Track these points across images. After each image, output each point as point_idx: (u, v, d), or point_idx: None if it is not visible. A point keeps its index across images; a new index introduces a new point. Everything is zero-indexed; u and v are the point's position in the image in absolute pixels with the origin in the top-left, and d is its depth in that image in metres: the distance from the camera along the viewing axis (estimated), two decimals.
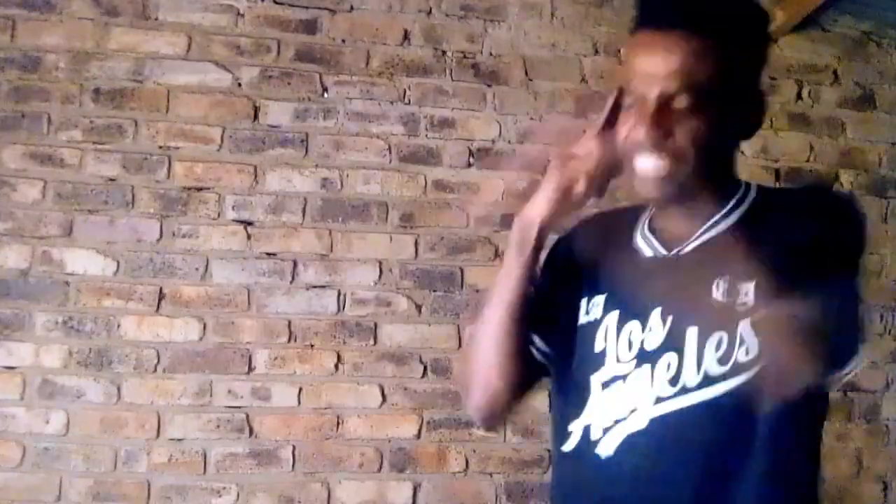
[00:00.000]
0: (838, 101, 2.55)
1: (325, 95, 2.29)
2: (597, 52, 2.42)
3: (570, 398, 0.95)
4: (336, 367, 2.19)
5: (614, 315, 0.92)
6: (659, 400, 0.87)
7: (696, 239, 0.92)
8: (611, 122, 0.92)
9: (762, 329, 0.84)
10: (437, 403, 2.22)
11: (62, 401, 2.08)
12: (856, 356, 0.92)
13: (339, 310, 2.21)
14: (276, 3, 2.30)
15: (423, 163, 2.30)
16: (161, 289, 2.15)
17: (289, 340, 2.18)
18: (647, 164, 0.86)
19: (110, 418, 2.09)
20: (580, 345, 0.96)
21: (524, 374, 0.99)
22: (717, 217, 0.93)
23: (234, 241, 2.20)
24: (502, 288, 0.96)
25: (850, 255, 0.90)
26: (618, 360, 0.91)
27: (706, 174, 0.88)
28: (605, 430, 0.90)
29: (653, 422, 0.87)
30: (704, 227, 0.92)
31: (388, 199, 2.26)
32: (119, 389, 2.10)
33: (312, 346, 2.18)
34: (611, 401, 0.90)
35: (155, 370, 2.12)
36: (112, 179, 2.18)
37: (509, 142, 2.35)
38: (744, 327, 0.84)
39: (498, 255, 2.30)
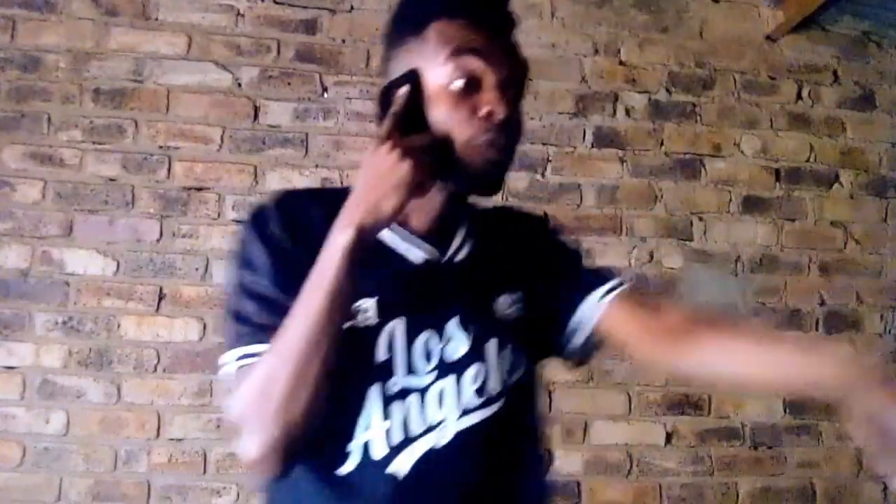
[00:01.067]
0: (838, 101, 2.55)
1: (325, 95, 2.29)
2: (597, 52, 2.43)
3: (342, 414, 0.84)
4: None
5: (400, 323, 0.85)
6: (465, 412, 0.85)
7: (460, 248, 0.94)
8: (415, 106, 0.85)
9: (526, 337, 0.93)
10: None
11: (62, 401, 2.08)
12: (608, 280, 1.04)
13: None
14: (276, 3, 2.30)
15: None
16: (161, 289, 2.15)
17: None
18: (500, 143, 0.86)
19: (110, 418, 2.09)
20: (349, 353, 0.82)
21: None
22: (465, 226, 0.96)
23: (234, 242, 2.19)
24: (327, 303, 0.78)
25: (567, 249, 1.07)
26: (410, 372, 0.85)
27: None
28: (397, 448, 0.83)
29: (459, 435, 0.84)
30: (460, 236, 0.94)
31: None
32: (119, 389, 2.10)
33: None
34: (402, 415, 0.84)
35: (155, 370, 2.12)
36: (112, 179, 2.18)
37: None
38: (516, 338, 0.92)
39: None
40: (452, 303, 0.89)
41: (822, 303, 2.45)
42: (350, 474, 0.83)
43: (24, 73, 2.17)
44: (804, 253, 2.46)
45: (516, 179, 2.33)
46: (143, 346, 2.13)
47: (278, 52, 2.28)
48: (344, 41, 2.32)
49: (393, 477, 0.82)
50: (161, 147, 2.20)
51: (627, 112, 2.42)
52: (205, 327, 2.16)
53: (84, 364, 2.10)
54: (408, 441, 0.84)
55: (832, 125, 2.54)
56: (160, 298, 2.15)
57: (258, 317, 0.83)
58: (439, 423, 0.84)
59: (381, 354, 0.85)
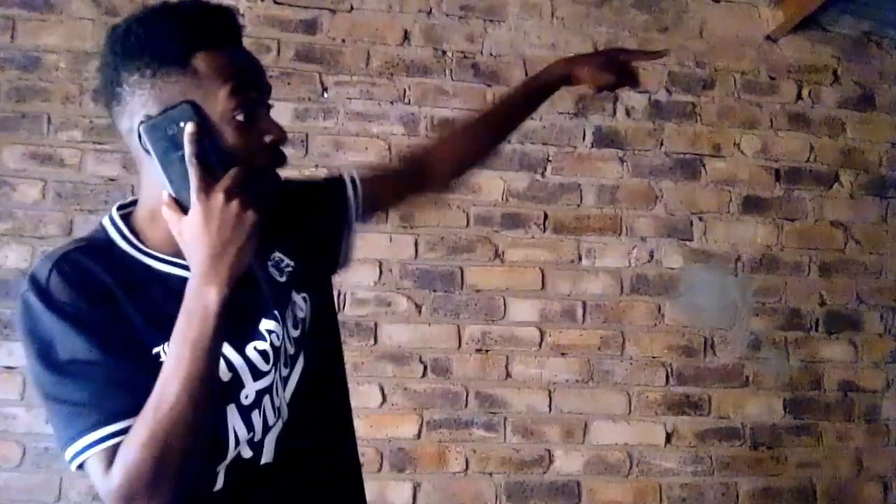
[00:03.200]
0: (838, 101, 2.55)
1: (325, 95, 2.29)
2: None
3: (212, 442, 0.85)
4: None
5: (225, 347, 0.84)
6: (284, 381, 0.92)
7: None
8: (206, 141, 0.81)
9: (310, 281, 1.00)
10: (436, 403, 2.22)
11: None
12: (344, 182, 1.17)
13: (339, 310, 2.21)
14: (276, 3, 2.30)
15: None
16: None
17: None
18: (285, 165, 0.92)
19: None
20: None
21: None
22: None
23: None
24: (210, 359, 0.78)
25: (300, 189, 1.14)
26: (256, 378, 0.88)
27: None
28: (259, 443, 0.88)
29: (289, 404, 0.91)
30: None
31: None
32: None
33: None
34: (261, 415, 0.88)
35: None
36: (112, 179, 2.18)
37: (509, 141, 2.35)
38: (297, 296, 0.97)
39: (498, 255, 2.31)
40: (253, 305, 0.90)
41: (822, 303, 2.45)
42: (223, 487, 0.86)
43: (24, 73, 2.17)
44: (804, 253, 2.46)
45: (516, 179, 2.34)
46: None
47: (278, 52, 2.28)
48: (344, 41, 2.32)
49: (266, 466, 0.89)
50: None
51: (627, 112, 2.42)
52: None
53: None
54: (266, 432, 0.89)
55: (832, 125, 2.54)
56: None
57: (96, 396, 0.78)
58: (280, 405, 0.91)
59: (223, 377, 0.85)
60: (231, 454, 0.86)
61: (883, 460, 2.41)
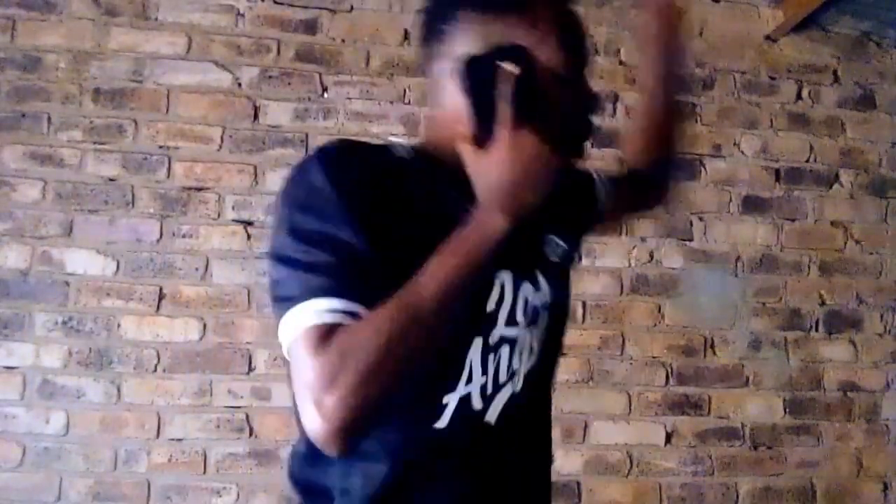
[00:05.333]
0: (838, 101, 2.55)
1: (325, 95, 2.29)
2: (597, 52, 2.42)
3: (442, 367, 0.82)
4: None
5: (507, 274, 0.85)
6: (530, 352, 0.89)
7: None
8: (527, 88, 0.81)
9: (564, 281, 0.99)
10: None
11: (62, 401, 2.08)
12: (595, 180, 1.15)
13: None
14: (276, 3, 2.30)
15: None
16: (161, 289, 2.15)
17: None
18: (593, 125, 0.90)
19: (110, 418, 2.09)
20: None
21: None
22: None
23: (234, 241, 2.20)
24: (470, 283, 0.76)
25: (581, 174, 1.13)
26: (508, 323, 0.85)
27: None
28: (489, 397, 0.84)
29: (525, 382, 0.88)
30: None
31: None
32: (119, 389, 2.10)
33: None
34: (495, 366, 0.85)
35: (155, 370, 2.12)
36: (112, 179, 2.18)
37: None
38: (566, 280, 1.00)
39: None
40: (535, 253, 0.91)
41: (822, 303, 2.45)
42: (447, 427, 0.81)
43: (24, 73, 2.17)
44: (804, 253, 2.46)
45: None
46: (143, 346, 2.13)
47: (278, 52, 2.28)
48: (344, 41, 2.32)
49: (488, 426, 0.84)
50: (161, 147, 2.20)
51: (627, 112, 2.42)
52: (205, 327, 2.16)
53: (84, 364, 2.10)
54: (496, 390, 0.85)
55: (832, 125, 2.54)
56: (160, 298, 2.15)
57: (339, 268, 0.74)
58: (517, 370, 0.87)
59: (489, 306, 0.84)
60: (461, 389, 0.82)
61: (883, 460, 2.41)
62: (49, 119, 2.17)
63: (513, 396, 0.86)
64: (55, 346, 2.10)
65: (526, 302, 0.87)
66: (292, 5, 2.30)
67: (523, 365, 0.88)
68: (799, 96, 2.53)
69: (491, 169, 0.77)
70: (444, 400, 0.82)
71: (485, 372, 0.83)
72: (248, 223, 2.21)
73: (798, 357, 2.41)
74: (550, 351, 0.94)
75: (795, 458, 2.37)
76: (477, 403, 0.83)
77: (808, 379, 2.41)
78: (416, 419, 0.81)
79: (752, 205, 2.45)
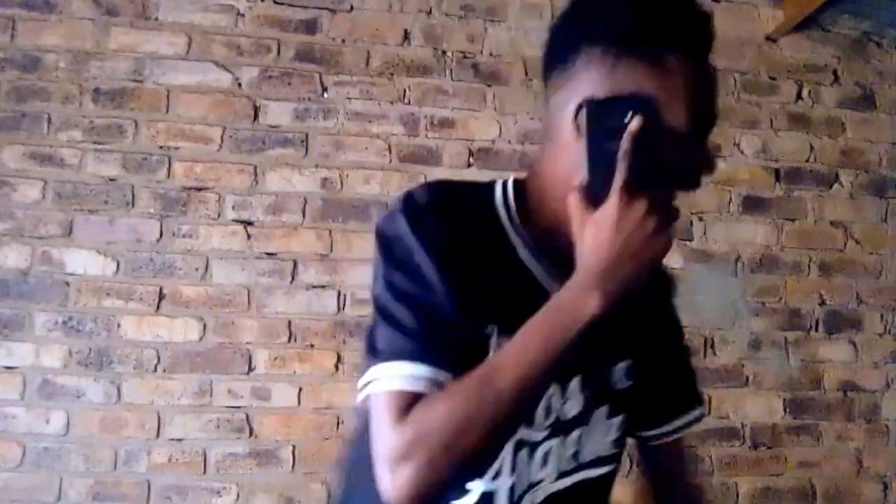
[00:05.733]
0: (838, 101, 2.55)
1: (325, 95, 2.29)
2: None
3: None
4: (336, 367, 2.19)
5: None
6: (560, 475, 0.84)
7: None
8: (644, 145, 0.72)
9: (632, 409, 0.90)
10: None
11: (62, 401, 2.08)
12: (693, 411, 1.04)
13: (339, 310, 2.21)
14: (276, 3, 2.30)
15: (423, 163, 2.30)
16: (161, 289, 2.15)
17: (289, 340, 2.18)
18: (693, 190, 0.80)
19: (110, 418, 2.09)
20: None
21: None
22: None
23: (234, 241, 2.20)
24: (553, 366, 0.70)
25: (679, 325, 1.00)
26: (530, 425, 0.81)
27: None
28: (512, 500, 0.81)
29: (549, 498, 0.83)
30: None
31: (388, 199, 2.26)
32: (119, 389, 2.10)
33: (312, 346, 2.18)
34: (519, 466, 0.81)
35: (155, 370, 2.12)
36: (112, 179, 2.18)
37: (509, 142, 2.35)
38: (626, 409, 0.89)
39: None
40: (577, 360, 0.78)
41: (822, 303, 2.45)
42: None
43: (24, 73, 2.17)
44: (804, 253, 2.46)
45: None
46: (143, 346, 2.13)
47: (278, 52, 2.28)
48: (344, 41, 2.32)
49: None
50: (161, 147, 2.20)
51: None
52: (205, 327, 2.16)
53: (84, 364, 2.10)
54: (518, 496, 0.81)
55: (832, 125, 2.54)
56: (160, 298, 2.15)
57: (428, 334, 0.73)
58: (539, 483, 0.82)
59: None
60: (487, 480, 0.80)
61: (883, 460, 2.41)
62: (49, 119, 2.17)
63: None
64: (55, 346, 2.10)
65: (549, 407, 0.81)
66: (292, 5, 2.30)
67: (547, 479, 0.83)
68: (799, 96, 2.53)
69: (595, 235, 0.69)
70: (469, 485, 0.80)
71: (514, 471, 0.81)
72: (248, 223, 2.21)
73: (798, 357, 2.41)
74: (585, 476, 0.86)
75: (795, 458, 2.37)
76: (501, 501, 0.81)
77: (808, 379, 2.41)
78: (451, 490, 0.80)
79: (752, 205, 2.45)
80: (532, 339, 0.69)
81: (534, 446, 0.81)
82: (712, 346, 2.37)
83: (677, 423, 0.99)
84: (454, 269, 0.74)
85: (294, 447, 2.14)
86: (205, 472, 2.10)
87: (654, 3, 0.73)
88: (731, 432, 2.35)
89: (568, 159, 0.74)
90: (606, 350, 0.85)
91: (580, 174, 0.71)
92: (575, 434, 0.84)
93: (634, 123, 0.68)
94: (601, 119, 0.71)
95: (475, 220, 0.79)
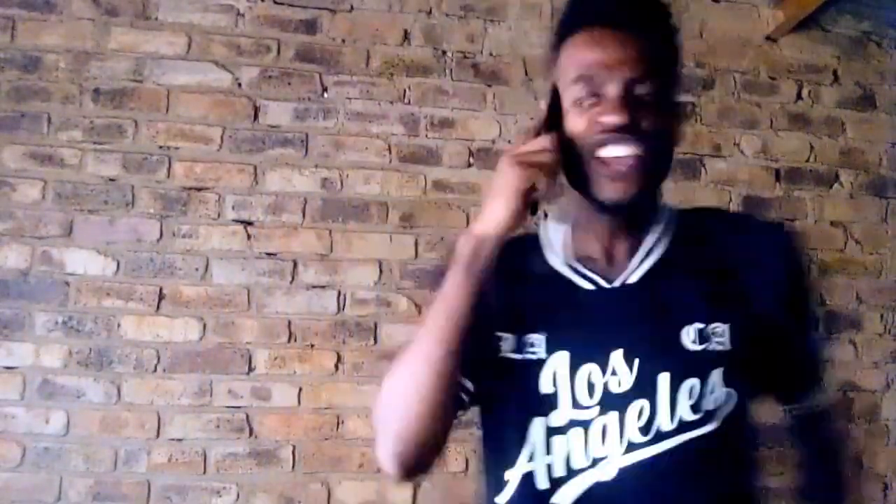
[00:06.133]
0: (838, 101, 2.55)
1: (325, 95, 2.29)
2: None
3: (504, 443, 0.87)
4: (336, 367, 2.19)
5: (563, 356, 0.85)
6: (631, 447, 0.82)
7: (637, 268, 0.88)
8: (553, 123, 0.85)
9: (738, 378, 0.86)
10: None
11: (62, 401, 2.08)
12: (814, 390, 1.04)
13: (339, 310, 2.21)
14: (276, 3, 2.30)
15: (423, 163, 2.30)
16: (161, 289, 2.15)
17: (289, 340, 2.18)
18: (622, 150, 0.82)
19: (110, 418, 2.09)
20: (514, 385, 0.86)
21: (453, 418, 0.88)
22: (651, 240, 0.90)
23: (234, 241, 2.20)
24: (442, 317, 0.81)
25: (796, 281, 0.95)
26: (575, 405, 0.83)
27: (660, 177, 0.89)
28: (560, 480, 0.83)
29: (623, 471, 0.82)
30: (642, 252, 0.89)
31: (388, 199, 2.27)
32: (119, 389, 2.10)
33: (312, 346, 2.18)
34: (565, 448, 0.83)
35: (155, 370, 2.12)
36: (112, 179, 2.18)
37: (509, 142, 2.35)
38: (716, 375, 0.84)
39: None
40: (619, 332, 0.85)
41: (822, 303, 2.45)
42: (511, 501, 0.85)
43: (24, 73, 2.17)
44: (804, 253, 2.46)
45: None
46: (143, 346, 2.13)
47: (278, 52, 2.28)
48: (344, 41, 2.32)
49: None
50: (161, 147, 2.20)
51: None
52: (205, 327, 2.16)
53: (84, 364, 2.10)
54: (571, 474, 0.83)
55: (832, 125, 2.53)
56: (160, 298, 2.15)
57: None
58: (602, 458, 0.82)
59: (545, 388, 0.85)
60: (521, 466, 0.84)
61: (883, 460, 2.41)
62: (49, 119, 2.17)
63: (599, 485, 0.81)
64: (55, 346, 2.09)
65: (590, 385, 0.83)
66: (292, 5, 2.30)
67: (613, 454, 0.82)
68: (799, 96, 2.53)
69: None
70: (506, 476, 0.86)
71: (549, 452, 0.84)
72: (248, 223, 2.21)
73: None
74: (667, 446, 0.83)
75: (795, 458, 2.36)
76: (541, 483, 0.83)
77: None
78: (487, 492, 0.89)
79: (752, 205, 2.45)
80: (441, 292, 0.82)
81: (587, 425, 0.83)
82: None
83: (788, 405, 1.02)
84: (491, 288, 0.83)
85: (294, 447, 2.14)
86: (205, 472, 2.10)
87: None
88: None
89: None
90: (664, 317, 0.86)
91: None
92: (636, 406, 0.83)
93: (540, 106, 0.86)
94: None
95: (513, 250, 0.85)
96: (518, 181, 0.80)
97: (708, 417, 0.83)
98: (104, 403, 2.09)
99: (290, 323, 2.18)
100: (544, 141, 0.83)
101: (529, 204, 0.81)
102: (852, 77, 2.56)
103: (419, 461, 0.86)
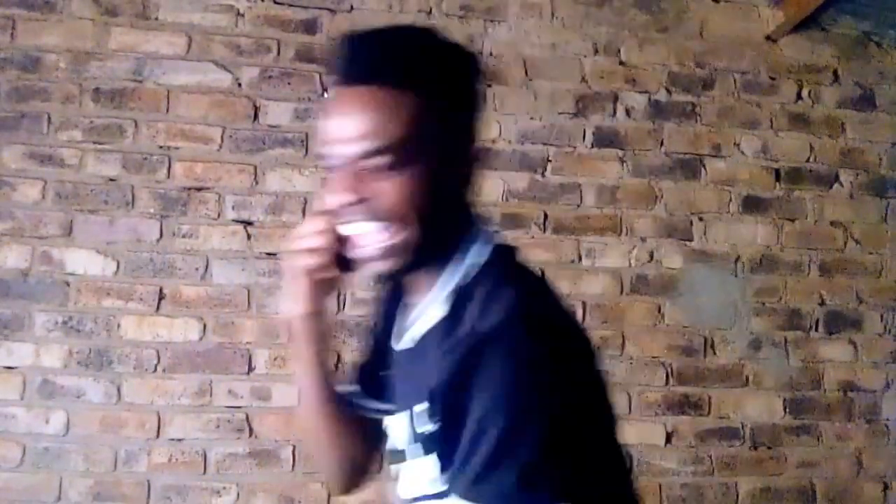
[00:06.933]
0: (838, 101, 2.55)
1: (325, 95, 2.29)
2: (597, 52, 2.42)
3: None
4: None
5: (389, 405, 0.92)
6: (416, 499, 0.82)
7: (409, 334, 0.86)
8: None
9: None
10: None
11: (62, 401, 2.08)
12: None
13: (339, 310, 2.21)
14: (276, 3, 2.30)
15: None
16: (161, 289, 2.15)
17: (289, 340, 2.17)
18: (359, 228, 0.79)
19: (110, 418, 2.09)
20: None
21: (371, 442, 0.97)
22: (425, 305, 0.83)
23: (234, 241, 2.20)
24: (303, 381, 0.95)
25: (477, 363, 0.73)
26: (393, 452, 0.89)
27: (426, 238, 0.78)
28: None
29: None
30: (414, 318, 0.85)
31: None
32: (119, 389, 2.10)
33: None
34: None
35: (155, 370, 2.12)
36: (112, 179, 2.18)
37: (509, 142, 2.35)
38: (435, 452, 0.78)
39: None
40: (402, 397, 0.87)
41: (822, 303, 2.45)
42: None
43: (24, 73, 2.17)
44: (804, 253, 2.46)
45: (516, 179, 2.33)
46: (143, 346, 2.13)
47: (278, 52, 2.28)
48: None
49: None
50: (161, 147, 2.20)
51: (627, 112, 2.42)
52: (205, 327, 2.16)
53: (84, 364, 2.10)
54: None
55: (832, 125, 2.53)
56: (160, 298, 2.15)
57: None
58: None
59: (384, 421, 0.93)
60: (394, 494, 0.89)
61: (883, 460, 2.41)
62: (49, 119, 2.17)
63: None
64: (55, 346, 2.09)
65: (396, 433, 0.88)
66: (292, 5, 2.30)
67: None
68: (799, 96, 2.53)
69: None
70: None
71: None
72: (248, 223, 2.21)
73: (798, 357, 2.41)
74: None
75: (795, 458, 2.37)
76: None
77: (808, 379, 2.41)
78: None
79: (752, 205, 2.45)
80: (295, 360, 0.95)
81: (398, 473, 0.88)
82: (712, 346, 2.37)
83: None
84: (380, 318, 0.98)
85: (294, 447, 2.14)
86: (205, 472, 2.10)
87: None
88: (731, 432, 2.35)
89: None
90: (411, 394, 0.82)
91: None
92: (398, 468, 0.87)
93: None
94: None
95: (397, 290, 0.94)
96: (294, 269, 0.87)
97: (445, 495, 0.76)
98: (104, 403, 2.09)
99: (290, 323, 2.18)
100: (313, 224, 0.86)
101: (321, 282, 0.88)
102: (852, 77, 2.56)
103: (348, 482, 1.00)
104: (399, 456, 0.85)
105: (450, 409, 0.73)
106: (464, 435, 0.71)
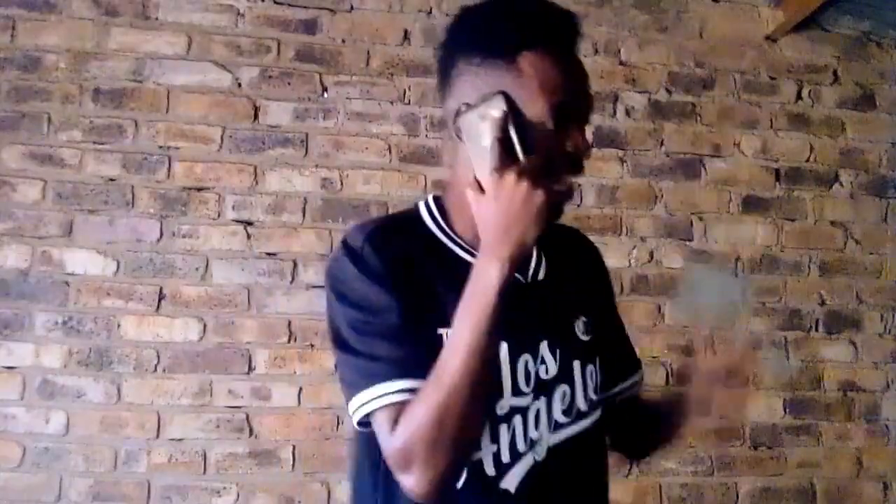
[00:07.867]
0: (838, 101, 2.55)
1: (325, 95, 2.29)
2: (597, 51, 2.42)
3: None
4: (336, 367, 2.18)
5: (502, 346, 0.87)
6: (557, 427, 0.91)
7: (540, 265, 0.97)
8: (519, 134, 0.83)
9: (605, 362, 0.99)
10: None
11: (62, 401, 2.08)
12: (639, 370, 1.11)
13: None
14: (276, 3, 2.30)
15: (423, 163, 2.30)
16: (161, 289, 2.15)
17: (289, 340, 2.18)
18: (580, 175, 0.88)
19: (110, 418, 2.09)
20: None
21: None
22: (541, 244, 0.95)
23: (234, 241, 2.20)
24: (487, 337, 0.80)
25: (611, 288, 1.13)
26: (514, 394, 0.88)
27: None
28: (506, 465, 0.87)
29: (551, 451, 0.89)
30: (536, 250, 0.96)
31: (388, 199, 2.26)
32: (119, 389, 2.10)
33: (312, 346, 2.18)
34: (508, 434, 0.87)
35: (155, 370, 2.12)
36: (112, 179, 2.18)
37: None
38: (597, 361, 0.98)
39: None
40: (540, 324, 0.92)
41: (822, 303, 2.45)
42: (462, 490, 0.85)
43: (24, 73, 2.17)
44: (804, 253, 2.46)
45: None
46: (143, 346, 2.13)
47: (278, 52, 2.28)
48: (344, 41, 2.32)
49: (505, 492, 0.87)
50: (161, 147, 2.20)
51: (627, 112, 2.42)
52: (205, 327, 2.16)
53: (84, 364, 2.10)
54: (515, 458, 0.87)
55: (832, 125, 2.53)
56: (160, 298, 2.15)
57: (393, 353, 0.84)
58: (537, 441, 0.89)
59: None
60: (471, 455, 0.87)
61: (883, 460, 2.41)
62: (49, 119, 2.17)
63: (535, 466, 0.88)
64: (55, 346, 2.09)
65: (527, 373, 0.89)
66: (292, 5, 2.30)
67: (544, 435, 0.90)
68: (799, 96, 2.53)
69: (482, 214, 0.81)
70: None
71: (495, 440, 0.87)
72: (248, 223, 2.21)
73: (798, 357, 2.41)
74: (583, 425, 0.93)
75: (795, 458, 2.37)
76: (490, 470, 0.86)
77: (808, 379, 2.41)
78: (458, 473, 0.87)
79: (752, 205, 2.45)
80: (462, 324, 0.80)
81: (525, 411, 0.89)
82: (712, 346, 2.37)
83: (623, 385, 1.06)
84: (402, 290, 0.86)
85: (294, 447, 2.14)
86: (205, 472, 2.10)
87: (505, 11, 0.86)
88: (731, 432, 2.35)
89: (464, 164, 0.87)
90: (564, 310, 0.96)
91: (470, 170, 0.84)
92: (559, 392, 0.91)
93: (493, 114, 0.81)
94: (473, 121, 0.83)
95: (409, 241, 0.91)
96: (545, 204, 0.79)
97: (601, 399, 0.97)
98: (104, 403, 2.09)
99: (290, 323, 2.18)
100: (538, 160, 0.82)
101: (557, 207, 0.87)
102: (852, 77, 2.56)
103: (457, 478, 0.85)
104: (553, 382, 0.91)
105: (603, 321, 1.01)
106: (625, 340, 1.10)
